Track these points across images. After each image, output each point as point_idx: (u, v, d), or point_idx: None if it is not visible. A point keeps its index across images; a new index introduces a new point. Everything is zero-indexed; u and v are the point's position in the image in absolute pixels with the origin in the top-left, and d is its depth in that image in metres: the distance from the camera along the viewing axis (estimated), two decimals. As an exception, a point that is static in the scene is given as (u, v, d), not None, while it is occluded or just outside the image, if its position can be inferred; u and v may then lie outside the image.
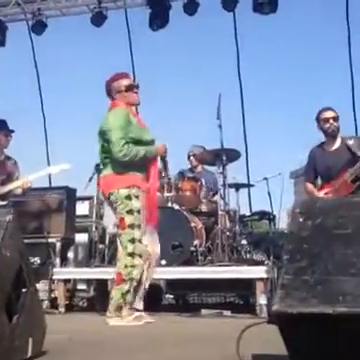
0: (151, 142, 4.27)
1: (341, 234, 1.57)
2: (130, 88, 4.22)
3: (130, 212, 4.07)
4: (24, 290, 2.19)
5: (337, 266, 1.52)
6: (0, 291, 1.95)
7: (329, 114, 5.02)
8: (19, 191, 5.22)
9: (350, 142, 5.00)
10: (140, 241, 4.09)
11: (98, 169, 5.74)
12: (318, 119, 5.08)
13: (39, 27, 8.62)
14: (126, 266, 4.07)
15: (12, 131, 5.39)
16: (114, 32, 8.90)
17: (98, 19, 8.47)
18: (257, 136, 8.88)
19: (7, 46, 8.72)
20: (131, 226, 4.07)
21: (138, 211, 4.08)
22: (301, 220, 1.74)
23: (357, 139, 5.15)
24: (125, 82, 4.25)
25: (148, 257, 4.18)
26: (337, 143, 5.07)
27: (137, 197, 4.08)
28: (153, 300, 6.23)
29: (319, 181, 5.18)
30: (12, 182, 5.17)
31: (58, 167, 5.06)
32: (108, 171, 4.23)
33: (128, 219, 4.07)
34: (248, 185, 6.66)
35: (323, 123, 5.03)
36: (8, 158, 5.40)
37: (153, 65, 9.30)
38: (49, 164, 7.79)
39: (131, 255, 4.06)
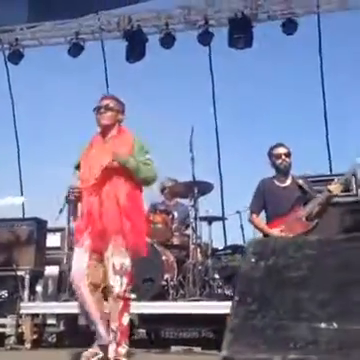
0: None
1: (294, 276, 1.52)
2: (95, 110, 3.89)
3: None
4: None
5: (289, 310, 1.46)
6: None
7: (281, 150, 5.04)
8: None
9: (300, 181, 5.04)
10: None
11: (68, 201, 5.67)
12: (270, 154, 5.09)
13: (16, 57, 8.62)
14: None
15: None
16: (91, 63, 8.88)
17: (75, 50, 8.51)
18: (232, 169, 8.85)
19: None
20: None
21: None
22: (253, 260, 1.69)
23: (305, 179, 5.19)
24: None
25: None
26: (288, 180, 5.08)
27: None
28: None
29: (263, 215, 5.15)
30: None
31: (15, 199, 4.98)
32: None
33: None
34: (221, 218, 6.61)
35: (275, 159, 5.04)
36: None
37: (128, 96, 9.27)
38: (22, 194, 7.66)
39: None
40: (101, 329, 3.64)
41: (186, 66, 9.15)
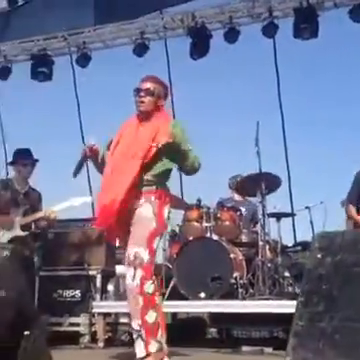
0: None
1: None
2: (135, 92, 3.65)
3: None
4: (26, 333, 2.04)
5: (359, 311, 1.34)
6: None
7: None
8: (44, 223, 5.17)
9: None
10: None
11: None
12: None
13: (84, 60, 8.79)
14: None
15: (36, 160, 5.31)
16: (155, 62, 8.92)
17: (140, 49, 8.57)
18: (300, 163, 8.61)
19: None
20: None
21: None
22: (319, 256, 1.58)
23: None
24: None
25: None
26: None
27: None
28: (196, 334, 6.13)
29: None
30: (34, 214, 5.12)
31: (81, 199, 5.01)
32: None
33: None
34: (290, 214, 6.46)
35: None
36: (33, 190, 5.38)
37: (192, 94, 9.27)
38: (91, 193, 7.76)
39: None
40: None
41: (250, 59, 8.99)
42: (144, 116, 3.62)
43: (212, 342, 5.97)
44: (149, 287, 3.29)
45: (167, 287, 5.44)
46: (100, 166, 3.73)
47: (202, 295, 5.23)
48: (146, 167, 3.46)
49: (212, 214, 5.65)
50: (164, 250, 5.86)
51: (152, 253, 3.36)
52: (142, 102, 3.57)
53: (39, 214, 5.08)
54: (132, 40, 8.66)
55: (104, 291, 5.75)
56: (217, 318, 5.97)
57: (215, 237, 5.54)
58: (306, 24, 7.66)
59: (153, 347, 3.30)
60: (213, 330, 6.60)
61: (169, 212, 3.62)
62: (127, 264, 3.33)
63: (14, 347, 1.96)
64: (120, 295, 6.03)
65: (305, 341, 1.42)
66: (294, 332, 1.46)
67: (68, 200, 4.99)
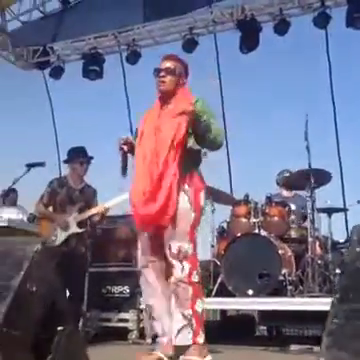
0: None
1: None
2: (155, 72, 3.52)
3: None
4: (60, 328, 2.02)
5: None
6: (23, 330, 1.82)
7: None
8: (96, 218, 5.20)
9: None
10: None
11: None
12: None
13: (133, 57, 8.83)
14: None
15: (91, 158, 5.39)
16: (204, 57, 8.85)
17: (190, 45, 8.53)
18: (353, 157, 8.32)
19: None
20: None
21: None
22: (358, 250, 1.48)
23: None
24: None
25: None
26: None
27: None
28: (246, 331, 6.05)
29: None
30: (89, 210, 5.17)
31: None
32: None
33: None
34: (341, 209, 6.26)
35: None
36: (88, 186, 5.43)
37: (241, 88, 9.14)
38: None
39: None
40: (167, 322, 3.35)
41: (301, 52, 8.77)
42: (166, 97, 3.49)
43: (261, 340, 5.87)
44: (195, 277, 3.26)
45: (215, 284, 5.39)
46: None
47: (250, 292, 5.14)
48: (175, 151, 3.29)
49: (260, 210, 5.55)
50: (212, 246, 5.80)
51: (194, 244, 3.31)
52: (163, 82, 3.44)
53: (94, 210, 5.13)
54: (181, 36, 8.64)
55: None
56: (266, 316, 5.85)
57: (263, 233, 5.44)
58: (360, 13, 7.42)
59: (201, 338, 3.26)
60: (263, 328, 6.49)
61: (205, 197, 3.46)
62: (171, 257, 3.26)
63: (48, 341, 1.93)
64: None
65: (340, 340, 1.32)
66: (328, 331, 1.37)
67: (122, 194, 4.98)
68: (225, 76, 8.83)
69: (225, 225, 5.95)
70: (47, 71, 9.32)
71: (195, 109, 3.24)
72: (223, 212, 6.04)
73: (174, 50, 8.47)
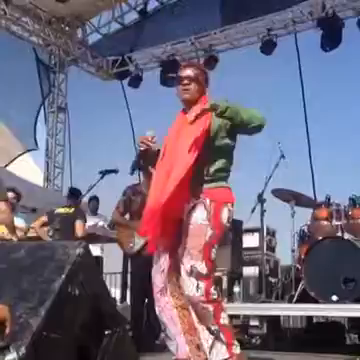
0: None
1: None
2: (176, 80, 3.28)
3: None
4: (107, 332, 1.91)
5: None
6: (66, 334, 1.74)
7: None
8: None
9: None
10: None
11: (261, 200, 5.51)
12: None
13: (211, 62, 8.78)
14: None
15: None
16: (284, 58, 8.66)
17: (268, 47, 8.37)
18: None
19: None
20: None
21: None
22: None
23: None
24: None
25: None
26: None
27: None
28: (335, 339, 5.74)
29: None
30: None
31: None
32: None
33: None
34: None
35: None
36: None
37: (325, 86, 8.84)
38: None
39: None
40: (182, 340, 3.07)
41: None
42: (190, 106, 3.19)
43: (351, 348, 5.54)
44: (214, 294, 2.99)
45: (296, 289, 5.16)
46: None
47: (334, 298, 4.86)
48: (199, 159, 2.97)
49: (343, 212, 5.27)
50: (293, 251, 5.57)
51: (210, 264, 2.99)
52: (187, 90, 3.16)
53: None
54: (259, 38, 8.49)
55: (230, 293, 5.60)
56: (357, 323, 5.56)
57: (347, 236, 5.15)
58: None
59: (237, 349, 3.03)
60: (354, 336, 6.15)
61: (230, 212, 3.06)
62: (184, 274, 2.99)
63: (92, 347, 1.84)
64: (248, 297, 5.87)
65: None
66: None
67: None
68: (307, 76, 8.57)
69: (306, 229, 5.70)
70: (126, 81, 9.44)
71: (209, 104, 2.97)
72: (303, 216, 5.80)
73: (252, 53, 8.38)
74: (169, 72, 8.95)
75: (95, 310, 1.87)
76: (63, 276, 1.78)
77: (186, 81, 3.16)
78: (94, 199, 7.33)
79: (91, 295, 1.86)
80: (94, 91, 9.98)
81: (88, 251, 1.88)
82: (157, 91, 9.10)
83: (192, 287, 2.96)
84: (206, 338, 3.04)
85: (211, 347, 3.02)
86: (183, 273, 2.99)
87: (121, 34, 9.59)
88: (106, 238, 6.48)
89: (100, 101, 9.90)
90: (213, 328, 3.02)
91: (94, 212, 7.32)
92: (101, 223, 7.16)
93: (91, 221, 6.77)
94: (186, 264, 2.98)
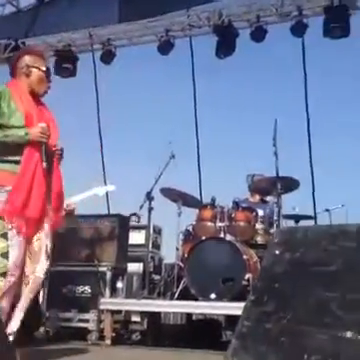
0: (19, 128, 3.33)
1: (323, 272, 1.24)
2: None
3: None
4: None
5: (310, 312, 1.18)
6: None
7: None
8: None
9: None
10: (5, 255, 3.14)
11: (149, 197, 5.59)
12: None
13: (108, 56, 8.73)
14: None
15: None
16: (180, 59, 8.83)
17: (165, 47, 8.48)
18: (324, 163, 8.35)
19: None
20: None
21: None
22: (277, 252, 1.43)
23: None
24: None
25: (14, 274, 3.19)
26: None
27: None
28: (212, 336, 5.96)
29: None
30: None
31: (103, 188, 4.82)
32: None
33: None
34: (309, 217, 6.22)
35: None
36: None
37: (215, 92, 9.15)
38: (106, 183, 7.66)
39: None
40: None
41: (277, 59, 8.80)
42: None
43: (227, 344, 5.78)
44: None
45: (178, 286, 5.30)
46: None
47: (213, 296, 5.07)
48: None
49: (227, 214, 5.48)
50: (177, 249, 5.71)
51: None
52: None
53: None
54: (157, 37, 8.57)
55: (114, 288, 5.63)
56: (233, 321, 5.78)
57: (229, 237, 5.37)
58: (337, 23, 7.45)
59: None
60: (230, 333, 6.41)
61: None
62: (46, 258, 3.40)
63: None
64: (131, 292, 5.94)
65: (248, 343, 1.27)
66: (238, 333, 1.32)
67: (90, 189, 4.81)
68: (199, 79, 8.80)
69: (191, 228, 5.87)
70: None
71: None
72: (190, 216, 5.96)
73: (150, 51, 8.46)
74: (63, 62, 8.84)
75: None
76: None
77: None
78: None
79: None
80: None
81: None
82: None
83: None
84: None
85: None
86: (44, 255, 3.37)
87: (15, 17, 9.22)
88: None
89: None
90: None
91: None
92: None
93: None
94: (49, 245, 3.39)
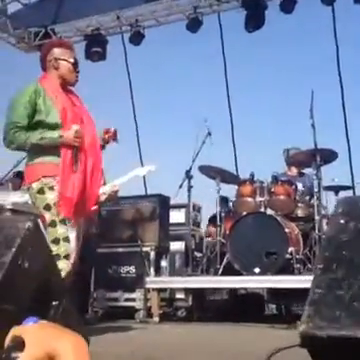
0: (54, 125, 3.45)
1: None
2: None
3: (47, 207, 3.33)
4: (54, 303, 1.99)
5: None
6: (17, 305, 1.80)
7: None
8: (103, 198, 5.10)
9: None
10: (66, 239, 3.31)
11: (188, 175, 5.64)
12: None
13: (137, 37, 8.73)
14: None
15: None
16: (209, 36, 8.76)
17: (194, 25, 8.43)
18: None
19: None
20: (52, 224, 3.32)
21: (55, 204, 3.34)
22: (342, 222, 1.47)
23: None
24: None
25: (73, 257, 3.38)
26: None
27: (52, 188, 3.34)
28: (255, 310, 6.04)
29: None
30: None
31: (145, 169, 4.86)
32: (26, 161, 3.62)
33: (47, 216, 3.33)
34: (349, 187, 6.18)
35: None
36: None
37: (246, 66, 9.09)
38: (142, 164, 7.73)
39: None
40: None
41: (307, 29, 8.66)
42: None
43: (270, 318, 5.86)
44: None
45: (221, 263, 5.37)
46: None
47: (257, 270, 5.13)
48: None
49: (266, 188, 5.50)
50: (219, 226, 5.76)
51: None
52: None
53: (103, 189, 5.02)
54: (185, 15, 8.53)
55: (158, 267, 5.74)
56: (275, 294, 5.86)
57: (269, 212, 5.41)
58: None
59: None
60: (272, 306, 6.49)
61: None
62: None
63: (41, 317, 1.90)
64: (175, 271, 6.04)
65: (321, 309, 1.32)
66: (311, 300, 1.36)
67: (132, 171, 4.87)
68: (229, 55, 8.74)
69: (231, 205, 5.91)
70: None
71: None
72: (228, 192, 6.00)
73: (178, 30, 8.42)
74: (93, 46, 8.88)
75: (43, 282, 1.93)
76: (13, 249, 1.82)
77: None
78: (17, 175, 7.19)
79: (40, 268, 1.92)
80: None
81: (37, 225, 1.92)
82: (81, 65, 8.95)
83: None
84: None
85: None
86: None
87: (43, 4, 9.28)
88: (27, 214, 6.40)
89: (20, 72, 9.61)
90: None
91: (18, 188, 7.18)
92: (24, 198, 7.03)
93: (13, 197, 6.64)
94: None
